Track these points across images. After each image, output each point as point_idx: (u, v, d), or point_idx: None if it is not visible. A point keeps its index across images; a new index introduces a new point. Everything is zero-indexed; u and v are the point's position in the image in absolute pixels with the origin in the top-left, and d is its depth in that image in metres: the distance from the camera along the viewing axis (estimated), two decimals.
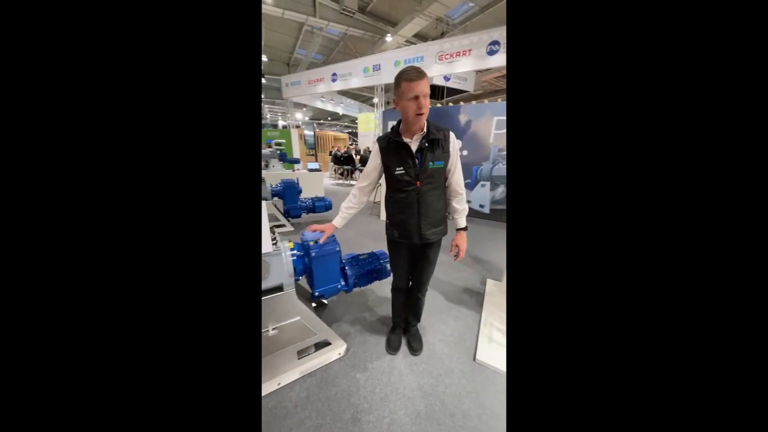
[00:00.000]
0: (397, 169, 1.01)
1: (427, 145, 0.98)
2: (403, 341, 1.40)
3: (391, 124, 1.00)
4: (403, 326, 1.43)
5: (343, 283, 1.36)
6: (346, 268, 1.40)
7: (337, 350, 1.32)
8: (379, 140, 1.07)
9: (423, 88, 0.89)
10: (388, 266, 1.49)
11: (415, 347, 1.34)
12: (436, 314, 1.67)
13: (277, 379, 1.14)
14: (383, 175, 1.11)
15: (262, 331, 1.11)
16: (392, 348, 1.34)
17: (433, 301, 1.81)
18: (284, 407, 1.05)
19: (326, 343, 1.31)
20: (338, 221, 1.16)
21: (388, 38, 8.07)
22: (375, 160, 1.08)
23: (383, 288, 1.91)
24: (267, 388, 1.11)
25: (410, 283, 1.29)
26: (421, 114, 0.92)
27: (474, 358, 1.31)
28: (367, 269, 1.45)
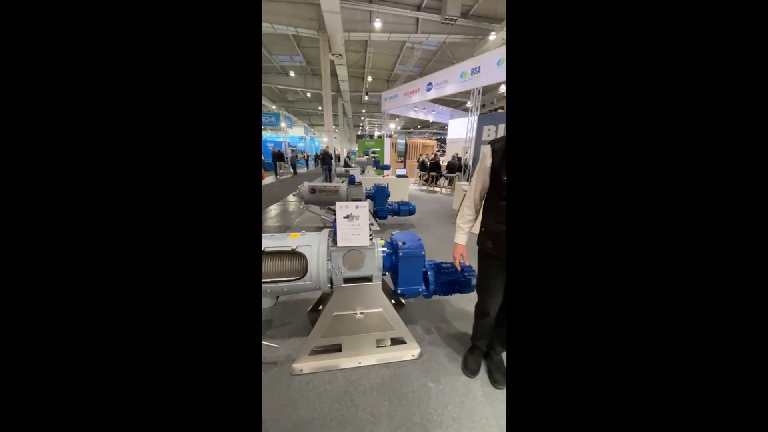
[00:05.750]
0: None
1: None
2: (483, 367, 1.28)
3: (487, 128, 0.94)
4: (483, 351, 1.30)
5: (424, 287, 1.38)
6: (428, 273, 1.41)
7: (411, 351, 1.35)
8: (493, 143, 1.02)
9: None
10: (473, 281, 1.39)
11: (498, 379, 1.19)
12: None
13: (359, 358, 1.30)
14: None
15: (352, 312, 1.30)
16: (470, 371, 1.24)
17: None
18: (363, 385, 1.18)
19: (402, 341, 1.37)
20: (461, 238, 1.14)
21: (492, 36, 7.51)
22: (484, 163, 1.03)
23: (462, 301, 1.79)
24: (350, 363, 1.28)
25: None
26: None
27: None
28: (449, 279, 1.41)
